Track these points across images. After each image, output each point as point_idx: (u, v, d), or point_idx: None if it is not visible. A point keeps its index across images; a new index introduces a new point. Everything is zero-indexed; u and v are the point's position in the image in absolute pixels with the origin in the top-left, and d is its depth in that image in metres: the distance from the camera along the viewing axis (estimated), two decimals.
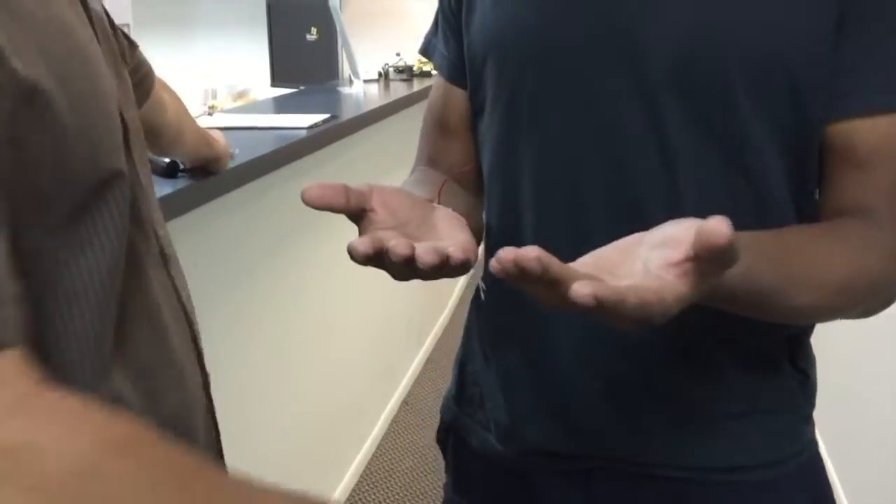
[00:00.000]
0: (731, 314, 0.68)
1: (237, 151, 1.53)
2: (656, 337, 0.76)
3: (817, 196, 0.75)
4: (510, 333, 0.86)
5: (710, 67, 0.69)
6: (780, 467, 0.80)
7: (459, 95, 0.88)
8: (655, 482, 0.80)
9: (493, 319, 0.89)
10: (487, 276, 0.88)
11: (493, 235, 0.85)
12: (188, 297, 0.75)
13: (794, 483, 0.81)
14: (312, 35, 3.22)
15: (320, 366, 2.26)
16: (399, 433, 2.80)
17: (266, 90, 3.43)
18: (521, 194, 0.80)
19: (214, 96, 3.83)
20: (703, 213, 0.57)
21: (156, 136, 1.10)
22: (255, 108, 2.57)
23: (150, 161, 1.30)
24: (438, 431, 0.98)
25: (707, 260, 0.51)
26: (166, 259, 0.69)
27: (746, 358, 0.78)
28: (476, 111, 0.85)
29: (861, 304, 0.72)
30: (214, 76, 3.90)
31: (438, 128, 0.92)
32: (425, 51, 0.95)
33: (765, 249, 0.65)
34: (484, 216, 0.87)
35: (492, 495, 0.91)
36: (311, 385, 2.20)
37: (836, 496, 1.43)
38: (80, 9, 0.62)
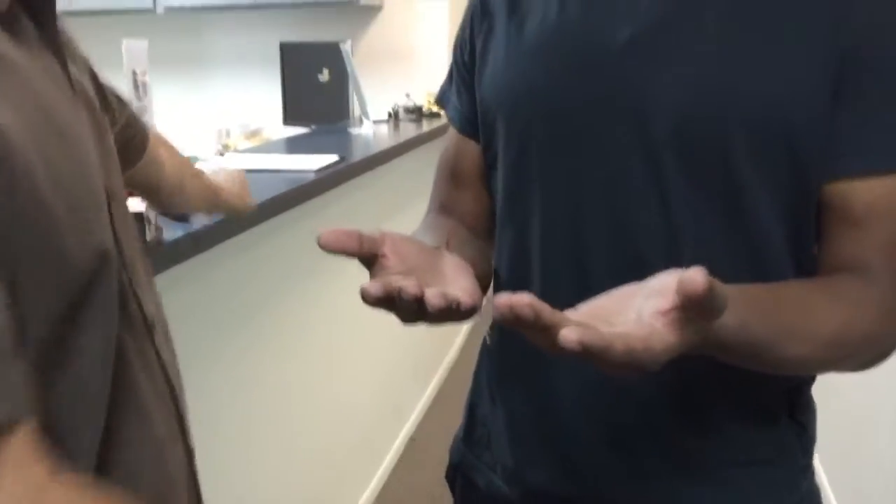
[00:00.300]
0: (732, 366, 0.70)
1: (256, 202, 1.56)
2: (657, 386, 0.77)
3: (815, 251, 0.77)
4: (516, 377, 0.88)
5: (710, 128, 0.72)
6: None
7: (471, 147, 0.91)
8: None
9: (500, 362, 0.91)
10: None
11: (502, 282, 0.87)
12: (176, 369, 0.72)
13: None
14: (324, 76, 3.28)
15: (328, 405, 2.27)
16: (406, 472, 2.80)
17: (278, 129, 3.48)
18: (530, 243, 0.82)
19: (228, 135, 3.89)
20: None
21: (155, 192, 1.08)
22: (267, 148, 2.62)
23: None
24: (447, 471, 0.99)
25: (691, 309, 0.53)
26: (151, 329, 0.68)
27: (745, 409, 0.80)
28: (489, 164, 0.88)
29: (854, 357, 0.73)
30: (228, 115, 3.97)
31: (450, 178, 0.95)
32: (440, 101, 0.98)
33: (757, 302, 0.67)
34: (493, 262, 0.90)
35: None
36: (319, 424, 2.22)
37: None
38: (64, 82, 0.61)
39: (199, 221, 1.41)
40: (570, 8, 0.79)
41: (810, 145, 0.71)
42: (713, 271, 0.62)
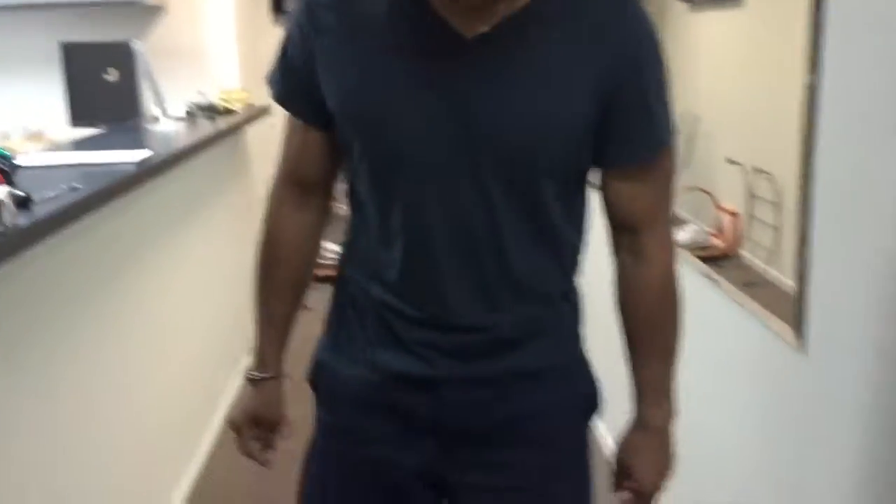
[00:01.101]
0: (539, 291, 1.11)
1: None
2: (490, 303, 1.11)
3: (581, 222, 1.15)
4: (370, 288, 1.14)
5: (521, 148, 1.02)
6: (565, 366, 1.19)
7: (314, 134, 1.13)
8: (486, 384, 1.14)
9: (360, 283, 1.16)
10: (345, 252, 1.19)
11: (358, 248, 1.15)
12: None
13: (574, 372, 1.21)
14: (111, 76, 3.29)
15: (145, 392, 2.38)
16: (228, 452, 2.92)
17: (64, 131, 3.44)
18: (389, 226, 1.09)
19: (7, 138, 3.77)
20: (518, 245, 1.04)
21: None
22: (62, 147, 2.64)
23: (10, 193, 1.43)
24: (311, 370, 1.24)
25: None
26: None
27: (541, 303, 1.14)
28: (346, 147, 1.11)
29: (679, 308, 1.18)
30: (4, 118, 3.83)
31: (299, 156, 1.17)
32: (271, 85, 1.16)
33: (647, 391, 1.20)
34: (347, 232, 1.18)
35: (358, 408, 1.18)
36: (135, 411, 2.32)
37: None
38: None
39: (43, 208, 1.51)
40: (401, 35, 1.02)
41: (585, 155, 1.07)
42: (523, 247, 1.05)
